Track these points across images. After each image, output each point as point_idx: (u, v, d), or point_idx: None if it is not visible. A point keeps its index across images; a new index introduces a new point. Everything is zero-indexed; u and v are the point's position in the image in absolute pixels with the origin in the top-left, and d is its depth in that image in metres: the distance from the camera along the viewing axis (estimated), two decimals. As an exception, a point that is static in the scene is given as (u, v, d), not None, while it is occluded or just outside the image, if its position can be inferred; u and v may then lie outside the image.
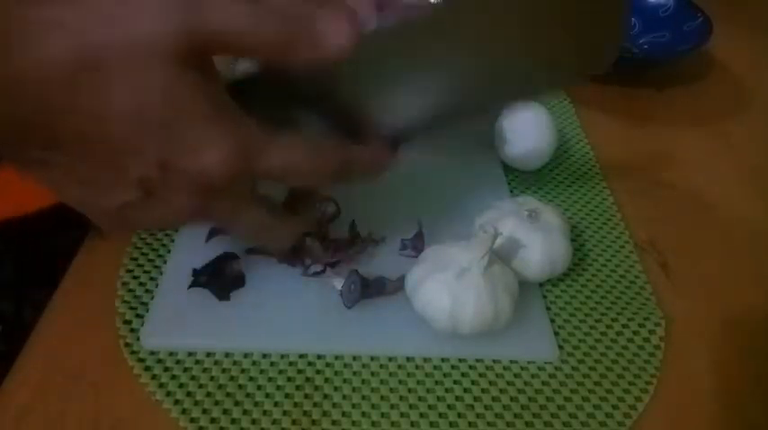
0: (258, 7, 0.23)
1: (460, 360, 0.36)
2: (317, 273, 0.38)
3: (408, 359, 0.35)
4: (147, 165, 0.24)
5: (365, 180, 0.31)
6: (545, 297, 0.40)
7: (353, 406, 0.33)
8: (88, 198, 0.26)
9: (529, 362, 0.36)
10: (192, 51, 0.23)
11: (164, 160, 0.24)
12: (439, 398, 0.34)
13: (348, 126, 0.30)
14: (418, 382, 0.34)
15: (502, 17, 0.29)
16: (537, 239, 0.38)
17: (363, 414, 0.33)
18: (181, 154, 0.24)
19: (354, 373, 0.34)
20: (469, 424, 0.33)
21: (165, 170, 0.24)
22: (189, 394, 0.33)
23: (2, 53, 0.21)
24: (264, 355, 0.35)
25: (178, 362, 0.34)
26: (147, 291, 0.38)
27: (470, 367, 0.35)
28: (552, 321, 0.38)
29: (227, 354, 0.35)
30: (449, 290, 0.33)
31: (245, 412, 0.32)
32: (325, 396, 0.33)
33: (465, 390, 0.34)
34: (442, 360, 0.35)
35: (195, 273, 0.37)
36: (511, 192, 0.47)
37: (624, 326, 0.39)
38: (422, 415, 0.33)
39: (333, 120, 0.29)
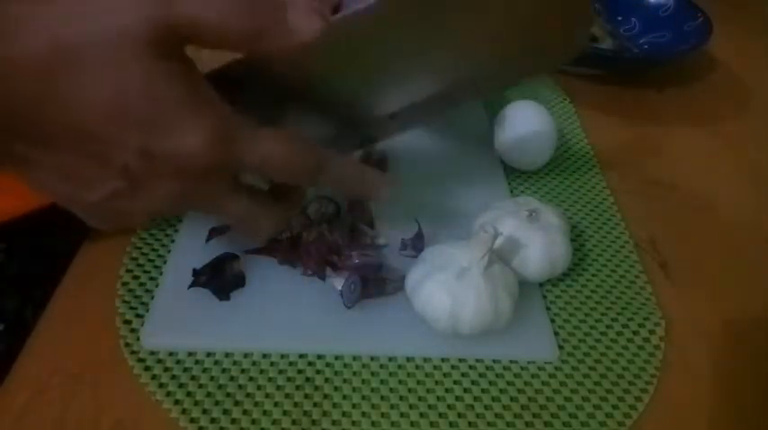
0: None
1: (460, 360, 0.36)
2: (316, 274, 0.38)
3: (408, 359, 0.35)
4: (128, 153, 0.24)
5: (349, 190, 0.32)
6: (545, 297, 0.40)
7: (353, 406, 0.33)
8: (74, 193, 0.26)
9: (529, 362, 0.36)
10: (166, 41, 0.23)
11: (144, 147, 0.24)
12: (439, 398, 0.34)
13: (329, 123, 0.30)
14: (418, 382, 0.34)
15: (479, 7, 0.30)
16: (537, 239, 0.38)
17: (363, 414, 0.33)
18: (160, 140, 0.24)
19: (354, 373, 0.34)
20: (469, 424, 0.33)
21: (147, 157, 0.25)
22: (189, 394, 0.33)
23: None
24: (264, 355, 0.35)
25: (178, 362, 0.34)
26: (147, 290, 0.38)
27: (470, 367, 0.35)
28: (552, 321, 0.38)
29: (227, 354, 0.35)
30: (449, 290, 0.33)
31: (245, 412, 0.32)
32: (326, 396, 0.33)
33: (465, 390, 0.34)
34: (442, 360, 0.35)
35: (195, 273, 0.37)
36: (511, 192, 0.47)
37: (624, 326, 0.39)
38: (422, 415, 0.33)
39: (313, 118, 0.29)
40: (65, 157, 0.25)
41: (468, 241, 0.35)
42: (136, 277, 0.38)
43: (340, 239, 0.39)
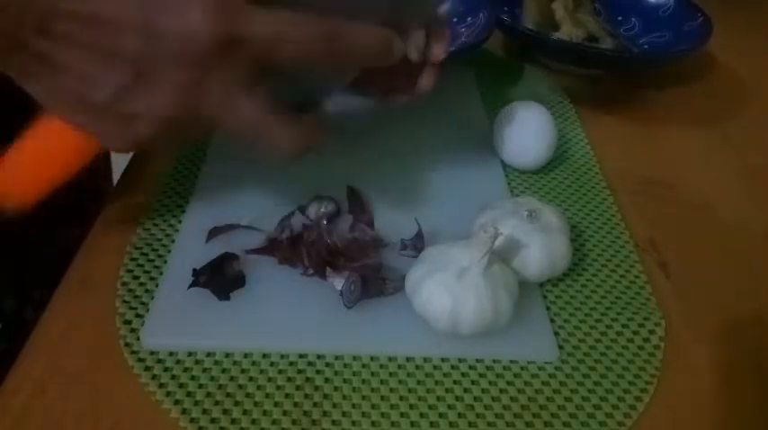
0: None
1: (460, 360, 0.36)
2: (316, 274, 0.38)
3: (408, 359, 0.35)
4: (132, 35, 0.25)
5: (359, 58, 0.30)
6: (545, 297, 0.40)
7: (353, 406, 0.33)
8: (83, 96, 0.26)
9: (529, 363, 0.36)
10: None
11: (148, 26, 0.25)
12: (439, 398, 0.34)
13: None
14: (418, 382, 0.34)
15: None
16: (537, 239, 0.38)
17: (363, 414, 0.33)
18: (165, 17, 0.25)
19: (354, 373, 0.34)
20: (469, 424, 0.33)
21: (151, 39, 0.25)
22: (189, 394, 0.33)
23: None
24: (264, 355, 0.35)
25: (178, 362, 0.34)
26: (147, 291, 0.38)
27: (470, 367, 0.35)
28: (552, 321, 0.38)
29: (227, 354, 0.35)
30: (449, 290, 0.33)
31: (245, 412, 0.32)
32: (326, 396, 0.33)
33: (465, 390, 0.34)
34: (442, 360, 0.35)
35: (195, 273, 0.37)
36: (511, 192, 0.47)
37: (624, 326, 0.39)
38: (422, 415, 0.33)
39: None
40: (78, 51, 0.25)
41: (468, 241, 0.35)
42: (136, 277, 0.38)
43: (339, 239, 0.39)
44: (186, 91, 0.26)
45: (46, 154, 0.32)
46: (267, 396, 0.33)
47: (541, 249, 0.37)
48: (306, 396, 0.33)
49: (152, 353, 0.34)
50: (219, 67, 0.26)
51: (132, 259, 0.39)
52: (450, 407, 0.33)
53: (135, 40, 0.25)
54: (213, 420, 0.32)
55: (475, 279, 0.34)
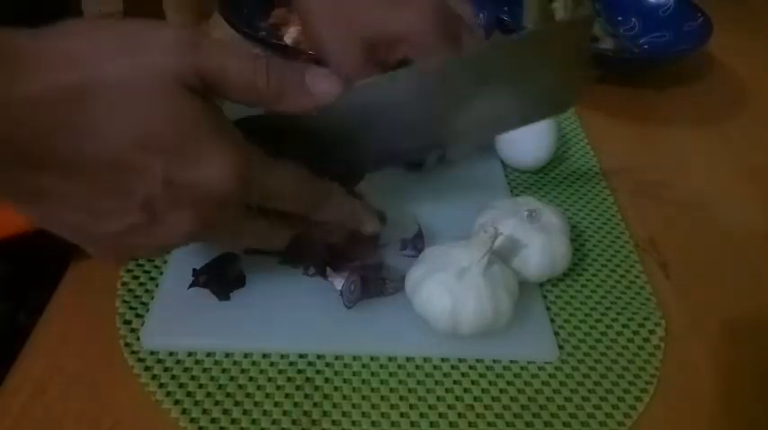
0: (255, 58, 0.27)
1: (460, 360, 0.36)
2: (317, 273, 0.38)
3: (408, 359, 0.35)
4: (152, 183, 0.25)
5: (342, 222, 0.34)
6: (545, 297, 0.40)
7: (353, 406, 0.33)
8: (86, 226, 0.26)
9: (529, 362, 0.36)
10: (193, 83, 0.25)
11: (168, 176, 0.25)
12: (439, 398, 0.34)
13: (331, 169, 0.33)
14: (418, 382, 0.34)
15: (486, 74, 0.34)
16: (537, 239, 0.37)
17: (363, 414, 0.33)
18: (184, 169, 0.25)
19: (354, 373, 0.34)
20: (469, 424, 0.33)
21: (169, 187, 0.25)
22: (189, 394, 0.33)
23: (9, 79, 0.22)
24: (264, 355, 0.35)
25: (178, 362, 0.34)
26: (147, 291, 0.38)
27: (470, 367, 0.35)
28: (552, 321, 0.38)
29: (227, 354, 0.35)
30: (449, 290, 0.33)
31: (245, 412, 0.32)
32: (326, 396, 0.33)
33: (465, 390, 0.34)
34: (442, 360, 0.35)
35: (195, 273, 0.37)
36: (511, 192, 0.47)
37: (624, 326, 0.39)
38: (422, 415, 0.33)
39: (318, 163, 0.32)
40: (85, 187, 0.25)
41: (468, 241, 0.35)
42: (136, 277, 0.38)
43: (339, 240, 0.39)
44: (195, 230, 0.27)
45: None
46: (267, 396, 0.33)
47: (541, 249, 0.37)
48: (306, 396, 0.33)
49: (152, 353, 0.34)
50: (229, 207, 0.28)
51: (132, 259, 0.39)
52: (450, 407, 0.33)
53: (154, 187, 0.25)
54: (213, 420, 0.32)
55: (475, 279, 0.34)
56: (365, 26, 0.36)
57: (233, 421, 0.32)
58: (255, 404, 0.32)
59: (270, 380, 0.34)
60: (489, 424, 0.33)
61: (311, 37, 0.39)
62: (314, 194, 0.31)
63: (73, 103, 0.23)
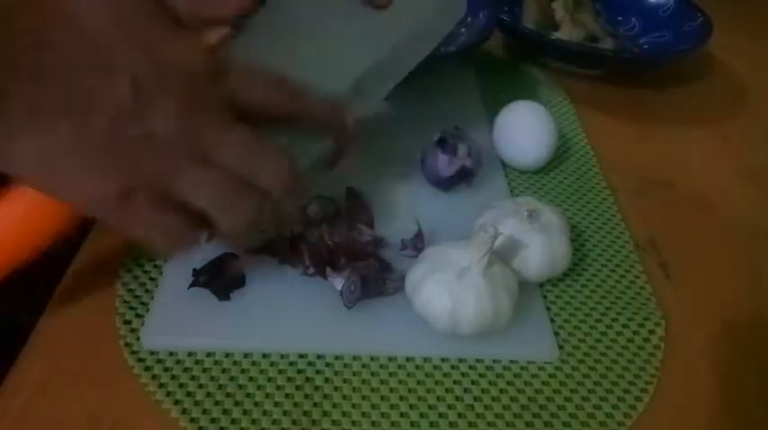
0: None
1: (460, 360, 0.36)
2: (316, 273, 0.38)
3: (408, 359, 0.35)
4: (134, 54, 0.25)
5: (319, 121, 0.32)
6: (545, 297, 0.40)
7: (353, 406, 0.33)
8: (77, 129, 0.25)
9: (529, 362, 0.36)
10: None
11: (150, 48, 0.26)
12: (439, 398, 0.34)
13: None
14: (418, 382, 0.34)
15: None
16: (537, 239, 0.37)
17: (363, 414, 0.33)
18: (164, 43, 0.26)
19: (354, 373, 0.34)
20: (469, 424, 0.33)
21: (152, 61, 0.26)
22: (189, 394, 0.33)
23: None
24: (264, 355, 0.35)
25: (178, 362, 0.34)
26: (147, 291, 0.38)
27: (470, 367, 0.35)
28: (552, 321, 0.38)
29: (227, 354, 0.35)
30: (449, 290, 0.33)
31: (245, 412, 0.32)
32: (326, 396, 0.33)
33: (465, 390, 0.34)
34: (442, 360, 0.35)
35: (195, 273, 0.37)
36: (511, 192, 0.47)
37: (624, 326, 0.39)
38: (422, 415, 0.33)
39: None
40: (69, 74, 0.25)
41: (468, 241, 0.35)
42: (136, 277, 0.38)
43: (339, 239, 0.39)
44: (182, 122, 0.26)
45: (21, 224, 0.32)
46: (267, 396, 0.33)
47: (541, 249, 0.37)
48: (306, 396, 0.33)
49: (152, 353, 0.34)
50: (211, 92, 0.27)
51: (132, 259, 0.39)
52: (450, 407, 0.33)
53: (137, 61, 0.25)
54: (213, 420, 0.32)
55: (475, 279, 0.34)
56: None
57: (233, 421, 0.32)
58: (255, 404, 0.32)
59: (270, 380, 0.34)
60: (489, 424, 0.33)
61: None
62: (290, 87, 0.30)
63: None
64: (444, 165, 0.44)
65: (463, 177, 0.45)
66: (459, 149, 0.44)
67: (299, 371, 0.34)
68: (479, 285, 0.33)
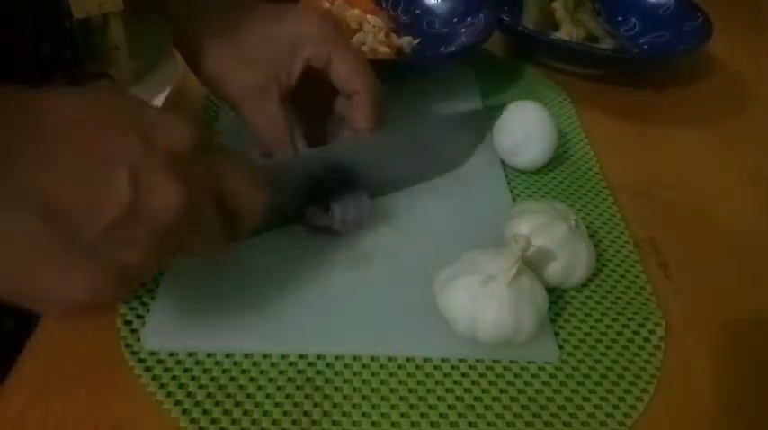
0: None
1: (460, 360, 0.36)
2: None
3: (408, 359, 0.35)
4: (132, 149, 0.25)
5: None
6: (545, 297, 0.40)
7: (354, 406, 0.33)
8: (66, 235, 0.23)
9: (529, 362, 0.36)
10: None
11: (144, 134, 0.25)
12: (439, 399, 0.34)
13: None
14: (418, 382, 0.34)
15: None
16: (583, 247, 0.39)
17: (364, 414, 0.33)
18: (155, 128, 0.26)
19: (355, 373, 0.34)
20: (470, 424, 0.33)
21: (148, 144, 0.25)
22: (189, 395, 0.33)
23: None
24: (265, 356, 0.35)
25: (179, 362, 0.34)
26: (147, 291, 0.37)
27: (470, 367, 0.35)
28: (552, 321, 0.38)
29: (227, 355, 0.35)
30: (471, 294, 0.33)
31: (245, 412, 0.32)
32: (326, 396, 0.33)
33: (465, 390, 0.34)
34: (442, 360, 0.35)
35: None
36: (511, 192, 0.47)
37: (624, 326, 0.39)
38: (422, 415, 0.33)
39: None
40: (61, 179, 0.23)
41: (499, 249, 0.35)
42: (136, 277, 0.38)
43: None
44: (180, 197, 0.26)
45: None
46: (268, 396, 0.33)
47: (587, 262, 0.39)
48: (306, 396, 0.33)
49: (152, 353, 0.34)
50: (202, 176, 0.28)
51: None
52: (450, 407, 0.33)
53: (134, 147, 0.25)
54: (214, 421, 0.32)
55: (500, 288, 0.33)
56: (266, 54, 0.40)
57: (233, 421, 0.32)
58: (256, 404, 0.32)
59: (270, 380, 0.34)
60: (489, 424, 0.33)
61: (229, 102, 0.42)
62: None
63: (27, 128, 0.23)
64: (312, 213, 0.40)
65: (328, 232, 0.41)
66: (334, 209, 0.40)
67: (300, 372, 0.34)
68: (503, 295, 0.33)
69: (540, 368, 0.36)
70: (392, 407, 0.33)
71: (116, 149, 0.24)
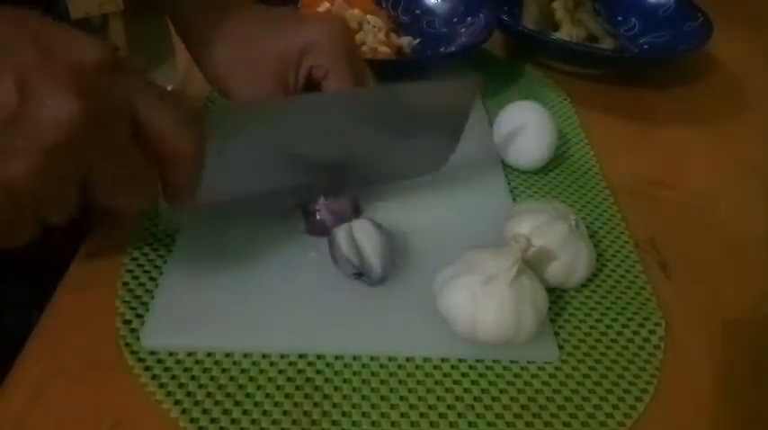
0: None
1: (460, 360, 0.36)
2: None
3: (408, 359, 0.35)
4: (25, 53, 0.24)
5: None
6: (545, 297, 0.40)
7: (353, 406, 0.33)
8: None
9: (529, 362, 0.36)
10: None
11: (46, 45, 0.25)
12: (439, 398, 0.34)
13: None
14: (418, 382, 0.34)
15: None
16: (583, 247, 0.38)
17: (363, 414, 0.33)
18: (56, 39, 0.25)
19: (354, 373, 0.34)
20: (469, 424, 0.33)
21: (44, 52, 0.24)
22: (189, 394, 0.33)
23: None
24: (264, 355, 0.35)
25: (178, 362, 0.34)
26: (147, 290, 0.37)
27: (470, 367, 0.35)
28: (552, 321, 0.38)
29: (227, 354, 0.35)
30: (472, 294, 0.33)
31: (245, 412, 0.32)
32: (325, 396, 0.33)
33: (465, 390, 0.34)
34: (442, 360, 0.35)
35: None
36: (511, 191, 0.47)
37: (624, 326, 0.39)
38: (422, 415, 0.33)
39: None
40: None
41: (500, 249, 0.35)
42: (136, 277, 0.38)
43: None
44: (74, 110, 0.24)
45: None
46: (267, 396, 0.33)
47: (588, 262, 0.39)
48: (306, 396, 0.33)
49: (152, 353, 0.34)
50: (104, 99, 0.26)
51: (132, 259, 0.39)
52: (450, 407, 0.33)
53: (29, 51, 0.24)
54: (213, 420, 0.32)
55: (500, 288, 0.33)
56: (274, 58, 0.40)
57: (233, 421, 0.32)
58: (255, 404, 0.32)
59: (270, 380, 0.34)
60: (489, 424, 0.33)
61: (223, 90, 0.42)
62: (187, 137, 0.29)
63: None
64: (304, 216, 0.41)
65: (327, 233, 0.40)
66: (319, 213, 0.41)
67: (299, 372, 0.34)
68: (504, 295, 0.33)
69: (539, 368, 0.36)
70: (392, 406, 0.33)
71: (8, 57, 0.24)
